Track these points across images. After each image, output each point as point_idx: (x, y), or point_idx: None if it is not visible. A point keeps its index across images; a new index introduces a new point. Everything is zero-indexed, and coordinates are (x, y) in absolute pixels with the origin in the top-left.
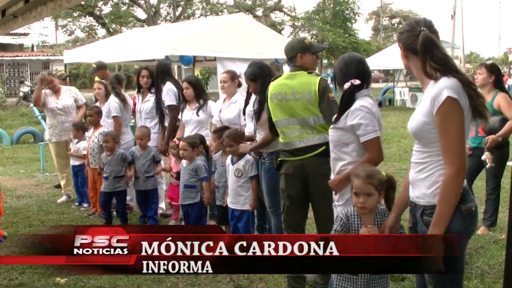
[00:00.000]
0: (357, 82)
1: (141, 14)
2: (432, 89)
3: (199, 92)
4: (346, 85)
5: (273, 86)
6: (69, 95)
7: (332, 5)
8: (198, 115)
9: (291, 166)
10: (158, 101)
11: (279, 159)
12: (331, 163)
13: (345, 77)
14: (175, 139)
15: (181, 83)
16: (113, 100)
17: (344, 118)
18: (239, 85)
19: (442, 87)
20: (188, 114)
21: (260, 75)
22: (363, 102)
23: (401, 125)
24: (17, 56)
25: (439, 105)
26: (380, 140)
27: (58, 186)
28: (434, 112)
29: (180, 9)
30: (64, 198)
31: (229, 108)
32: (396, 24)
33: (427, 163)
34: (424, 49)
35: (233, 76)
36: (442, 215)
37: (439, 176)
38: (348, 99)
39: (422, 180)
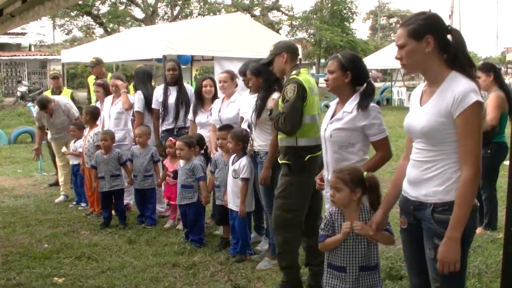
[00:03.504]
0: None
1: (138, 13)
2: (450, 89)
3: (216, 92)
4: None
5: (306, 79)
6: (62, 114)
7: (330, 5)
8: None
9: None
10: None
11: (310, 156)
12: (331, 164)
13: (367, 76)
14: (171, 138)
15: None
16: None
17: (353, 118)
18: (235, 85)
19: (467, 90)
20: (203, 117)
21: (264, 71)
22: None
23: (399, 125)
24: (15, 55)
25: (465, 108)
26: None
27: (53, 184)
28: (456, 113)
29: (177, 8)
30: (61, 197)
31: (229, 107)
32: (393, 24)
33: (437, 161)
34: (459, 43)
35: (232, 76)
36: (461, 217)
37: (452, 173)
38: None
39: (430, 179)
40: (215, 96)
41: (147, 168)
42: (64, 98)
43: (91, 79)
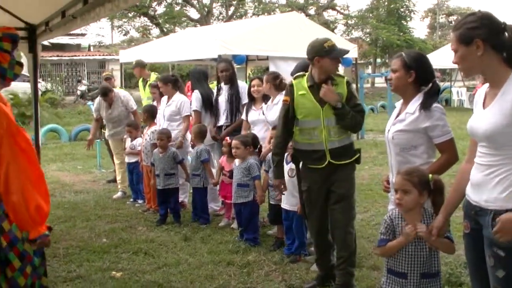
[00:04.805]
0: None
1: (194, 14)
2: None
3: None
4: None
5: None
6: (120, 105)
7: (386, 3)
8: (264, 114)
9: None
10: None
11: None
12: (395, 166)
13: (433, 75)
14: (227, 138)
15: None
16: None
17: (415, 120)
18: (280, 86)
19: None
20: (255, 114)
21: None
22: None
23: (459, 126)
24: (75, 56)
25: None
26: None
27: (111, 181)
28: None
29: (232, 8)
30: (119, 194)
31: (273, 110)
32: (453, 22)
33: (500, 166)
34: None
35: (272, 78)
36: None
37: None
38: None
39: (492, 184)
40: (265, 95)
41: (195, 167)
42: (123, 91)
43: (140, 81)
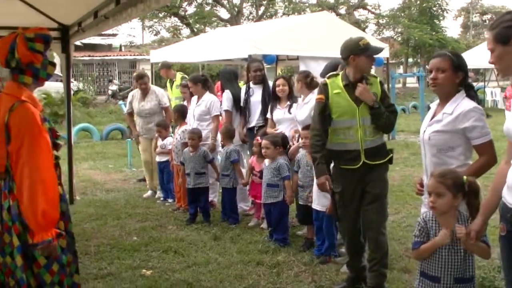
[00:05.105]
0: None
1: (224, 14)
2: None
3: (292, 90)
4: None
5: None
6: (154, 99)
7: (418, 2)
8: (290, 113)
9: None
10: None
11: None
12: (429, 168)
13: (468, 74)
14: (258, 138)
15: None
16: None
17: (453, 120)
18: (311, 85)
19: None
20: (280, 113)
21: None
22: (472, 102)
23: (493, 127)
24: (106, 56)
25: None
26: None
27: (141, 180)
28: None
29: (262, 8)
30: (149, 193)
31: (303, 109)
32: (487, 21)
33: None
34: None
35: (305, 77)
36: None
37: None
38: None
39: None
40: (291, 94)
41: (224, 167)
42: (158, 87)
43: (168, 81)
